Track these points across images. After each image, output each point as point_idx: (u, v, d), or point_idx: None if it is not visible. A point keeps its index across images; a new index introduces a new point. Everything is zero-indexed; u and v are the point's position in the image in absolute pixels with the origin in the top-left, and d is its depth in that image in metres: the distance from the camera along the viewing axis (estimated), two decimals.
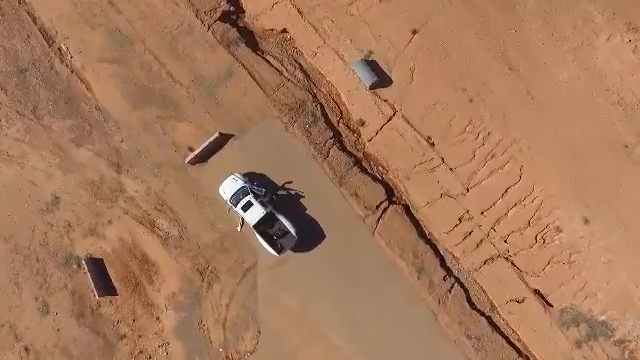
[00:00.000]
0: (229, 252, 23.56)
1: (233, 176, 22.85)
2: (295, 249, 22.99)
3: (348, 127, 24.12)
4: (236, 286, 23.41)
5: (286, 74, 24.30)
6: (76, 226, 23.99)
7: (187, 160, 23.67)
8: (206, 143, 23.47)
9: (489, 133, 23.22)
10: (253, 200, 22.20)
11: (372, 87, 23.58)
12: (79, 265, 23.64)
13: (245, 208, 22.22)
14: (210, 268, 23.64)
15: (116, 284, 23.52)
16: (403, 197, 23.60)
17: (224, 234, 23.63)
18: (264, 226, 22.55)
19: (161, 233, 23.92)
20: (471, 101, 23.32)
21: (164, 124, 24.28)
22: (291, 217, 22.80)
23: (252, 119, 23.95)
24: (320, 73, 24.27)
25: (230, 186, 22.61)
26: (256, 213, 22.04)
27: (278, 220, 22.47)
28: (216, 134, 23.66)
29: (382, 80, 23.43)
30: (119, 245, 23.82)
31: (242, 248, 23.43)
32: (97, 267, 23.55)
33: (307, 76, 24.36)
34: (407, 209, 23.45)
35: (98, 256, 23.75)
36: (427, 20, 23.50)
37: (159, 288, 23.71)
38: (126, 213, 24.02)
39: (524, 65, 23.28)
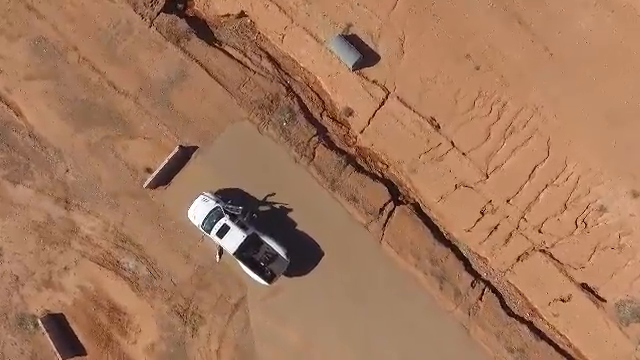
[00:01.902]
0: (211, 287, 19.67)
1: (202, 196, 18.82)
2: (289, 274, 19.07)
3: (334, 119, 20.00)
4: (225, 326, 19.58)
5: (251, 66, 20.15)
6: (26, 279, 20.07)
7: (146, 184, 19.65)
8: (165, 161, 19.45)
9: (504, 104, 19.11)
10: (230, 222, 18.19)
11: (356, 67, 19.39)
12: (36, 325, 19.84)
13: (221, 233, 18.21)
14: (191, 309, 19.77)
15: (83, 341, 19.86)
16: (411, 194, 19.59)
17: (202, 267, 19.74)
18: (247, 252, 18.60)
19: (128, 274, 20.00)
20: (477, 69, 19.17)
21: (114, 145, 20.23)
22: (279, 236, 18.92)
23: (217, 125, 19.89)
24: (292, 59, 20.12)
25: (200, 208, 18.60)
26: (235, 238, 18.05)
27: (263, 243, 18.51)
28: (176, 149, 19.60)
29: (367, 57, 19.31)
30: (81, 295, 19.96)
31: (226, 281, 19.59)
32: (58, 325, 19.91)
33: (276, 65, 20.21)
34: (417, 208, 19.49)
35: (57, 311, 20.05)
36: None
37: (135, 340, 19.88)
38: (83, 256, 20.12)
39: (536, 16, 19.09)
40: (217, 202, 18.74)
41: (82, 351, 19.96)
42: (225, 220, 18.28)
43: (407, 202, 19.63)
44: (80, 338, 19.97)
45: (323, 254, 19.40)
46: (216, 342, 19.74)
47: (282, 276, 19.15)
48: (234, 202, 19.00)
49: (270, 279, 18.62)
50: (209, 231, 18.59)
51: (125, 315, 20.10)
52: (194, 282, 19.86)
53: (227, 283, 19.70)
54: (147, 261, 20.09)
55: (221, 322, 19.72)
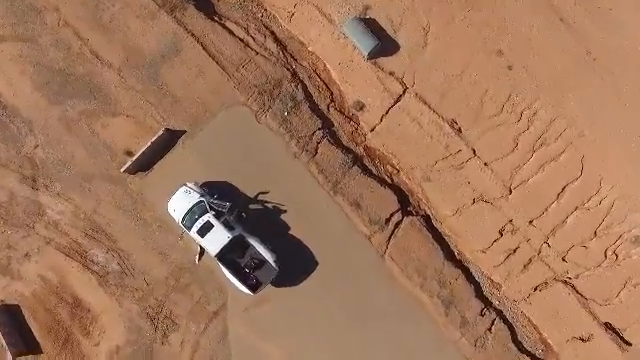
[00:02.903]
0: (188, 290, 17.42)
1: (185, 187, 16.51)
2: (277, 283, 16.81)
3: (342, 113, 17.66)
4: (200, 335, 17.35)
5: (253, 45, 17.80)
6: None
7: (124, 168, 17.35)
8: (148, 144, 17.15)
9: (536, 112, 16.79)
10: (214, 220, 15.90)
11: (371, 56, 17.04)
12: None
13: (203, 232, 15.94)
14: (164, 312, 17.52)
15: (39, 338, 17.61)
16: (422, 205, 17.30)
17: (179, 267, 17.48)
18: (231, 255, 16.32)
19: (96, 268, 17.73)
20: (510, 68, 16.84)
21: (92, 121, 17.92)
22: (269, 241, 16.67)
23: (209, 108, 17.57)
24: (300, 41, 17.78)
25: (182, 201, 16.32)
26: (219, 238, 15.76)
27: (250, 246, 16.23)
28: (161, 131, 17.29)
29: (385, 45, 16.99)
30: (41, 286, 17.69)
31: (205, 285, 17.35)
32: (11, 317, 17.66)
33: (282, 47, 17.87)
34: (428, 221, 17.22)
35: (13, 302, 17.69)
36: None
37: (98, 341, 17.64)
38: (48, 243, 17.84)
39: (581, 14, 16.77)
40: (202, 195, 16.44)
41: (37, 349, 17.72)
42: (209, 217, 15.99)
43: (417, 214, 17.35)
44: (36, 334, 17.73)
45: (317, 264, 17.14)
46: (188, 352, 17.52)
47: (269, 285, 16.87)
48: (221, 197, 16.70)
49: (255, 288, 16.35)
50: (189, 228, 16.32)
51: (89, 313, 17.86)
52: (169, 283, 17.61)
53: (206, 287, 17.45)
54: (119, 255, 17.82)
55: (196, 330, 17.50)
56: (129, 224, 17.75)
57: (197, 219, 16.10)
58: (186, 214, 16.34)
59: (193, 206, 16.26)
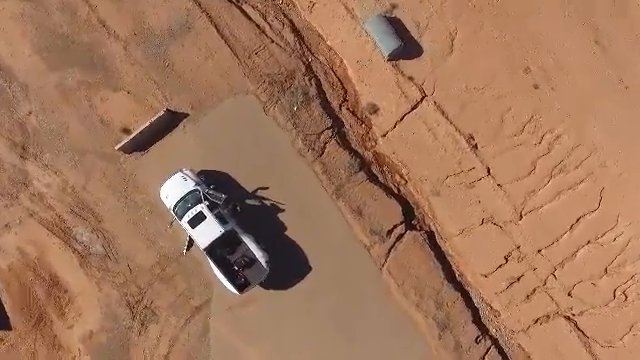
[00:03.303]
0: (173, 282, 16.52)
1: (182, 173, 15.58)
2: (266, 285, 15.93)
3: (354, 114, 16.73)
4: (180, 330, 16.45)
5: (269, 33, 16.85)
6: None
7: (119, 146, 16.43)
8: (147, 123, 16.22)
9: (559, 136, 15.88)
10: (207, 212, 14.98)
11: (392, 57, 16.10)
12: None
13: (194, 222, 15.02)
14: (145, 302, 16.62)
15: (10, 314, 16.74)
16: (427, 220, 16.40)
17: (166, 256, 16.58)
18: (221, 251, 15.41)
19: (79, 247, 16.82)
20: (536, 87, 15.92)
21: (91, 93, 16.98)
22: (262, 239, 15.78)
23: (216, 93, 16.64)
24: (318, 34, 16.83)
25: (176, 188, 15.39)
26: (210, 231, 14.84)
27: (242, 243, 15.33)
28: (162, 111, 16.36)
29: (408, 48, 16.05)
30: (19, 260, 16.82)
31: (191, 278, 16.46)
32: None
33: (300, 38, 16.92)
34: (431, 238, 16.33)
35: None
36: None
37: (72, 324, 16.75)
38: (31, 216, 16.94)
39: (618, 37, 15.88)
40: (197, 184, 15.52)
41: (6, 325, 16.83)
42: (202, 207, 15.07)
43: (421, 229, 16.45)
44: (7, 309, 16.83)
45: (310, 270, 16.24)
46: (166, 346, 16.62)
47: (257, 286, 15.97)
48: (217, 188, 15.78)
49: (242, 287, 15.46)
50: (181, 217, 15.40)
51: (66, 294, 16.96)
52: (154, 272, 16.71)
53: (192, 281, 16.55)
54: (104, 236, 16.91)
55: (176, 324, 16.61)
56: (118, 205, 16.84)
57: (189, 208, 15.19)
58: (179, 202, 15.42)
59: (187, 194, 15.34)
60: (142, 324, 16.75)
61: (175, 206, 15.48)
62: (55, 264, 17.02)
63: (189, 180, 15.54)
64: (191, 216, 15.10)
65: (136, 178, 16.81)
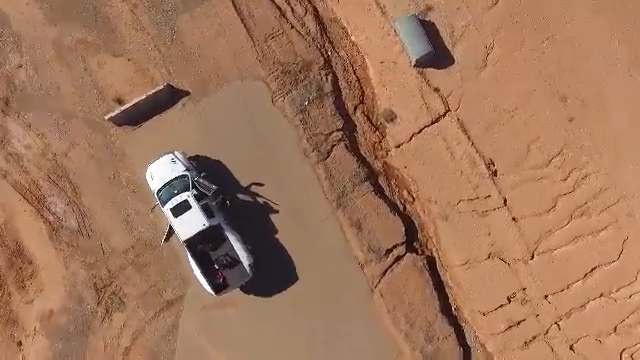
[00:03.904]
0: (146, 271, 15.22)
1: (172, 156, 14.23)
2: (246, 289, 14.60)
3: (369, 119, 15.35)
4: (147, 323, 15.15)
5: (290, 18, 15.45)
6: None
7: (110, 116, 15.05)
8: (144, 96, 14.84)
9: (587, 176, 14.52)
10: (193, 201, 13.63)
11: (420, 63, 14.72)
12: None
13: (177, 211, 13.67)
14: (113, 287, 15.31)
15: None
16: (430, 245, 15.06)
17: (143, 242, 15.25)
18: (203, 246, 14.03)
19: (51, 218, 15.49)
20: (571, 120, 14.56)
21: (88, 55, 15.61)
22: (249, 240, 14.41)
23: (223, 74, 15.27)
24: (343, 27, 15.43)
25: (163, 170, 14.06)
26: (193, 223, 13.52)
27: (227, 240, 13.97)
28: (162, 85, 14.99)
29: (438, 55, 14.69)
30: None
31: (167, 269, 15.15)
32: None
33: (322, 28, 15.53)
34: (432, 264, 14.99)
35: None
36: None
37: (32, 299, 15.44)
38: (4, 177, 15.67)
39: None
40: (187, 169, 14.16)
41: None
42: (188, 196, 13.71)
43: (422, 253, 15.09)
44: None
45: (297, 280, 14.90)
46: (128, 338, 15.30)
47: (236, 290, 14.64)
48: (209, 177, 14.42)
49: (219, 289, 14.14)
50: (164, 203, 14.02)
51: (30, 266, 15.61)
52: (128, 257, 15.37)
53: (167, 273, 15.22)
54: (80, 211, 15.55)
55: (143, 317, 15.28)
56: (100, 180, 15.48)
57: (175, 195, 13.83)
58: (164, 186, 14.06)
59: (174, 179, 13.98)
60: (107, 311, 15.42)
61: (160, 190, 14.12)
62: (23, 232, 15.68)
63: (179, 164, 14.17)
64: (175, 204, 13.74)
65: (123, 153, 15.45)
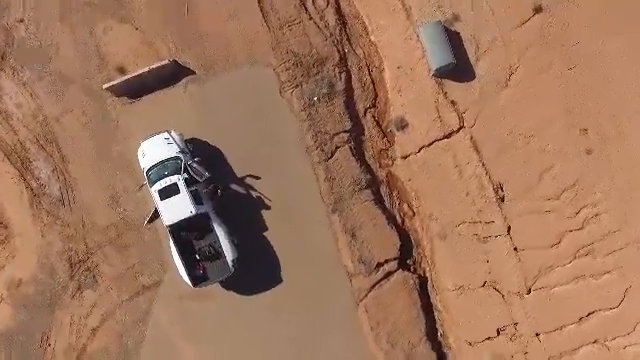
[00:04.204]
0: (126, 252, 14.52)
1: (168, 135, 13.50)
2: (226, 285, 13.87)
3: (378, 124, 14.62)
4: (118, 306, 14.47)
5: (310, 8, 14.74)
6: None
7: (109, 85, 14.31)
8: (146, 69, 14.13)
9: (598, 214, 13.78)
10: (182, 186, 12.90)
11: (439, 73, 13.98)
12: None
13: (165, 194, 12.96)
14: (89, 264, 14.60)
15: None
16: (424, 264, 14.33)
17: (126, 221, 14.56)
18: (187, 234, 13.31)
19: (34, 184, 14.78)
20: (589, 153, 13.82)
21: (95, 18, 14.90)
22: (236, 234, 13.66)
23: (233, 58, 14.56)
24: (364, 25, 14.70)
25: (157, 148, 13.36)
26: (180, 208, 12.82)
27: (213, 232, 13.20)
28: (167, 60, 14.26)
29: (459, 68, 13.97)
30: None
31: (147, 253, 14.48)
32: None
33: (342, 23, 14.80)
34: (423, 285, 14.28)
35: None
36: None
37: (3, 265, 14.80)
38: None
39: None
40: (182, 152, 13.43)
41: None
42: (178, 179, 12.98)
43: (415, 271, 14.37)
44: None
45: (280, 282, 14.19)
46: (97, 318, 14.60)
47: (217, 284, 13.91)
48: (203, 163, 13.67)
49: (197, 281, 13.42)
50: (153, 183, 13.28)
51: (5, 230, 14.93)
52: (108, 234, 14.65)
53: (147, 256, 14.50)
54: (65, 179, 14.82)
55: (116, 299, 14.58)
56: (90, 150, 14.76)
57: (165, 176, 13.10)
58: (155, 165, 13.33)
59: (167, 160, 13.26)
60: (79, 287, 14.71)
61: (150, 169, 13.39)
62: (2, 195, 14.96)
63: (174, 145, 13.44)
64: (163, 185, 13.00)
65: (118, 125, 14.71)
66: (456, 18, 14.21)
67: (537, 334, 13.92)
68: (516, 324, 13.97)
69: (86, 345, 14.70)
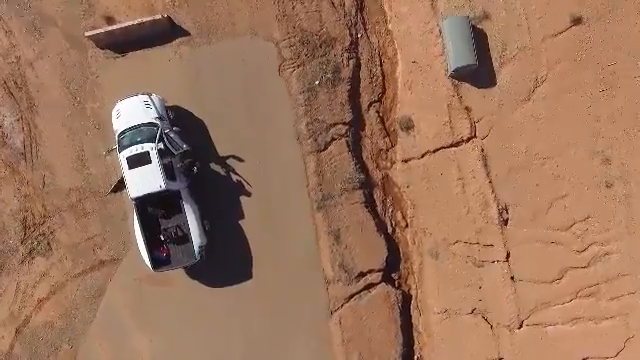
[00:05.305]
0: (86, 220, 13.17)
1: (148, 98, 12.03)
2: (191, 272, 12.51)
3: (382, 121, 13.24)
4: (70, 279, 13.18)
5: None
6: None
7: (92, 33, 12.87)
8: (136, 22, 12.66)
9: (608, 254, 12.51)
10: (155, 156, 11.53)
11: (457, 74, 12.61)
12: None
13: (134, 162, 11.58)
14: (44, 228, 13.25)
15: None
16: (410, 281, 13.03)
17: (92, 187, 13.20)
18: (154, 210, 11.96)
19: None
20: (608, 186, 12.52)
21: None
22: (208, 219, 12.29)
23: (233, 24, 13.12)
24: (383, 11, 13.32)
25: (133, 111, 11.96)
26: (148, 180, 11.45)
27: (182, 212, 11.79)
28: (161, 16, 12.81)
29: (480, 72, 12.62)
30: None
31: (109, 225, 13.18)
32: None
33: (359, 5, 13.39)
34: (405, 303, 12.96)
35: None
36: (611, 8, 12.37)
37: None
38: None
39: None
40: (160, 118, 12.01)
41: None
42: (151, 148, 11.59)
43: (399, 287, 13.06)
44: None
45: (250, 278, 12.87)
46: (46, 289, 13.25)
47: (179, 269, 12.55)
48: (182, 135, 12.25)
49: (158, 264, 12.07)
50: (122, 148, 11.84)
51: None
52: (70, 199, 13.26)
53: (109, 229, 13.14)
54: (30, 132, 13.37)
55: (69, 270, 13.23)
56: (62, 102, 13.31)
57: (137, 142, 11.69)
58: (129, 129, 11.91)
59: (142, 125, 11.84)
60: (30, 252, 13.31)
61: (122, 133, 11.97)
62: None
63: (153, 110, 12.02)
64: (134, 152, 11.57)
65: (97, 80, 13.26)
66: (486, 16, 12.80)
67: None
68: (501, 359, 12.70)
69: (29, 317, 13.32)
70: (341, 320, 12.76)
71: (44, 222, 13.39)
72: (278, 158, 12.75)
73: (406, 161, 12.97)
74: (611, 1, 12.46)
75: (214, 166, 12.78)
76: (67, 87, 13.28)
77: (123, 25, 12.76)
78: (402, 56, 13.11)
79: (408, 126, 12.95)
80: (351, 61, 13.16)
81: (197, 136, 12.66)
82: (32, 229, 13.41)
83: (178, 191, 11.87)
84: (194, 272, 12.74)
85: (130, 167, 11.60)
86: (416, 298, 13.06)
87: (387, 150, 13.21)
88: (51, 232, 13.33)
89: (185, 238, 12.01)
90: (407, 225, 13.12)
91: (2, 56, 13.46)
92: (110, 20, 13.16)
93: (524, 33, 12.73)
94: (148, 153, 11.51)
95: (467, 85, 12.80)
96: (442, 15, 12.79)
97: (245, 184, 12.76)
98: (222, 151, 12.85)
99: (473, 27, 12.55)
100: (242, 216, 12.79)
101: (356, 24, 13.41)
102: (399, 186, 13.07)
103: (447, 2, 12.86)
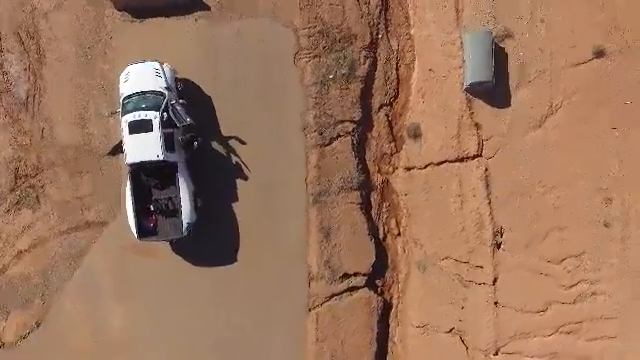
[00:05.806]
0: (79, 179, 13.07)
1: (159, 65, 11.86)
2: (176, 247, 12.35)
3: (390, 125, 13.07)
4: (54, 235, 13.10)
5: None
6: None
7: None
8: None
9: (595, 294, 12.34)
10: (157, 124, 11.39)
11: (472, 90, 12.43)
12: None
13: (135, 128, 11.46)
14: (35, 181, 13.13)
15: None
16: (393, 290, 12.85)
17: (89, 147, 13.08)
18: (148, 179, 11.85)
19: (0, 77, 13.08)
20: (606, 226, 12.33)
21: None
22: (202, 197, 12.12)
23: (255, 6, 12.95)
24: (406, 15, 13.11)
25: (142, 77, 11.81)
26: (146, 148, 11.36)
27: (176, 185, 11.64)
28: None
29: (495, 91, 12.44)
30: None
31: (102, 187, 13.03)
32: None
33: (384, 6, 13.20)
34: (385, 312, 12.77)
35: None
36: (637, 47, 12.17)
37: None
38: None
39: None
40: (168, 88, 11.84)
41: None
42: (154, 116, 11.44)
43: (381, 294, 12.88)
44: None
45: (234, 261, 12.71)
46: (27, 242, 13.15)
47: (165, 243, 12.40)
48: (188, 108, 12.08)
49: (144, 234, 11.92)
50: (126, 113, 11.68)
51: None
52: (66, 155, 13.12)
53: (100, 191, 12.99)
54: (35, 82, 13.24)
55: (54, 226, 13.11)
56: (72, 58, 13.17)
57: (141, 109, 11.52)
58: (134, 95, 11.75)
59: (149, 92, 11.68)
60: (17, 203, 13.20)
61: (128, 97, 11.80)
62: None
63: (162, 78, 11.86)
64: (136, 118, 11.42)
65: (110, 42, 13.10)
66: (508, 35, 12.61)
67: None
68: None
69: (7, 266, 13.20)
70: (318, 318, 12.61)
71: (36, 174, 13.24)
72: (281, 146, 12.59)
73: (408, 169, 12.78)
74: (638, 39, 12.25)
75: (215, 144, 12.63)
76: (79, 44, 13.12)
77: None
78: (420, 63, 12.92)
79: (416, 134, 12.77)
80: (368, 60, 12.97)
81: (203, 112, 12.50)
82: (23, 180, 13.26)
83: (175, 164, 11.71)
84: (179, 246, 12.59)
85: (130, 132, 11.46)
86: (397, 308, 12.89)
87: (391, 155, 13.03)
88: (41, 186, 13.19)
89: (175, 212, 11.88)
90: (399, 233, 12.94)
91: (18, 4, 13.28)
92: None
93: (545, 58, 12.53)
94: (151, 121, 11.36)
95: (480, 102, 12.61)
96: (465, 27, 12.60)
97: (244, 167, 12.60)
98: (225, 131, 12.68)
99: (494, 43, 12.36)
100: (236, 199, 12.63)
101: (378, 24, 13.23)
102: (398, 193, 12.89)
103: (473, 15, 12.65)
